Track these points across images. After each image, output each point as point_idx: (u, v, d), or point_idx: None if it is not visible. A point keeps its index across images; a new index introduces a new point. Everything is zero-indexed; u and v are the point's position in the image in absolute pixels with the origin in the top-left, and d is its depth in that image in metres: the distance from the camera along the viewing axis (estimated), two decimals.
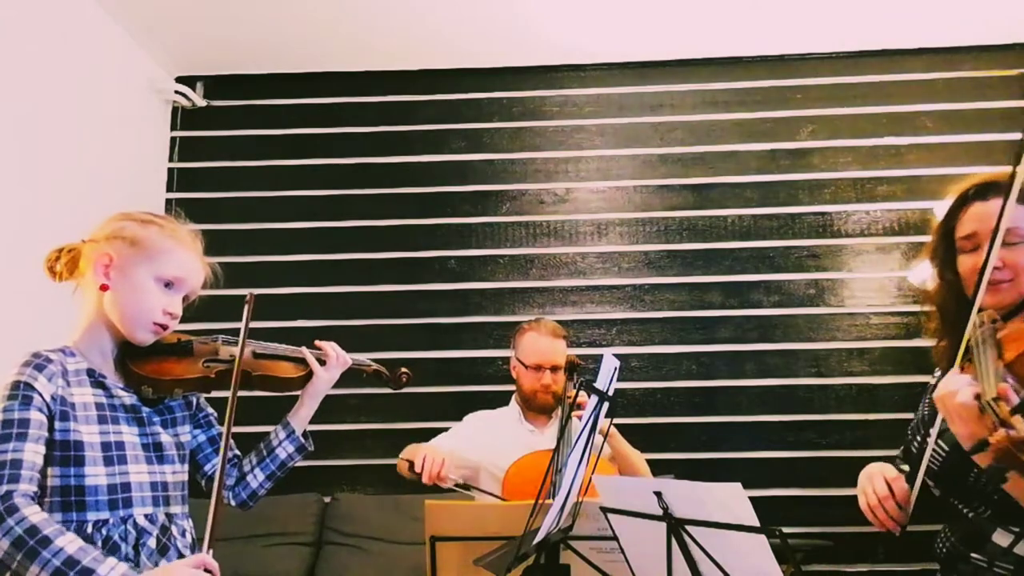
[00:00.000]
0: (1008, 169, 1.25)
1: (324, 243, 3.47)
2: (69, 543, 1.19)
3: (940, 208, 3.29)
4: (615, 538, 1.40)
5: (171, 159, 3.58)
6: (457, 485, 2.21)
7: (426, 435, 2.60)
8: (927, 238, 1.54)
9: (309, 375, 1.61)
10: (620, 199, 3.47)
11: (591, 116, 3.55)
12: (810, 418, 3.22)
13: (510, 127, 3.56)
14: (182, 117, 3.61)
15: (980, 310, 1.27)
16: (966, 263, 1.41)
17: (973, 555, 1.35)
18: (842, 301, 3.31)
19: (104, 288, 1.37)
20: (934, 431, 1.32)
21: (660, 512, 1.27)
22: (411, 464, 2.07)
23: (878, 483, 1.40)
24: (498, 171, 3.53)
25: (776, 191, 3.42)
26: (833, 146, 3.43)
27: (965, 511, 1.38)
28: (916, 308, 3.16)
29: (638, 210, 3.45)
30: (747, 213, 3.40)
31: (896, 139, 3.40)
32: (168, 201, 3.53)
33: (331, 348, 1.65)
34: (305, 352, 1.62)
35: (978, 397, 1.10)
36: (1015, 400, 1.08)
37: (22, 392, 1.26)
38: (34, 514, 1.19)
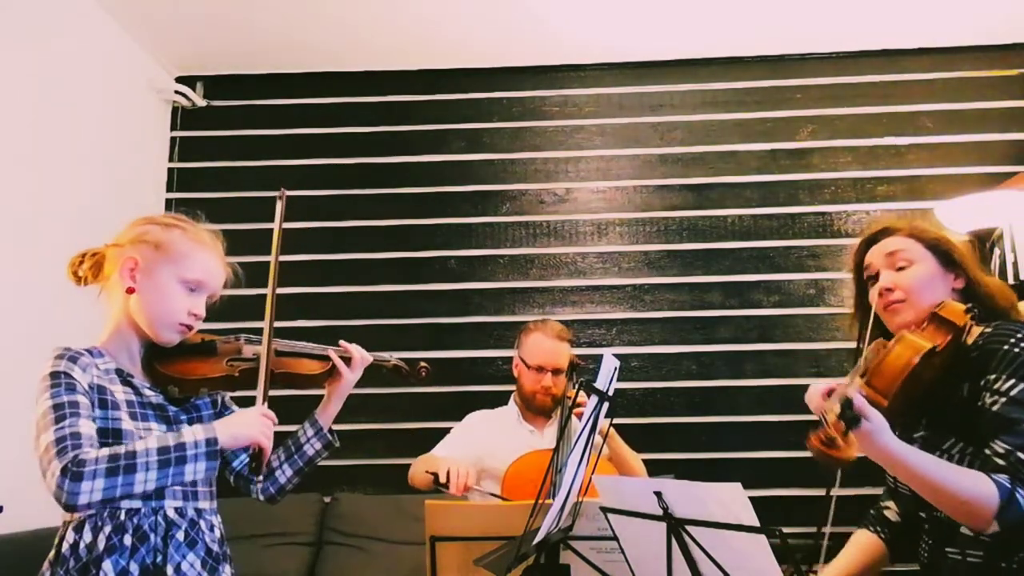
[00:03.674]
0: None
1: (324, 243, 3.46)
2: (149, 441, 1.27)
3: (940, 208, 3.28)
4: (615, 538, 1.40)
5: (171, 159, 3.58)
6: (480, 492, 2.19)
7: (426, 435, 2.60)
8: None
9: (330, 372, 1.64)
10: (620, 199, 3.47)
11: (591, 116, 3.55)
12: (810, 418, 3.21)
13: (510, 127, 3.56)
14: (182, 117, 3.61)
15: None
16: (872, 294, 1.59)
17: (948, 550, 1.45)
18: (842, 301, 3.31)
19: (130, 291, 1.41)
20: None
21: (660, 512, 1.27)
22: (435, 476, 2.06)
23: None
24: (498, 171, 3.53)
25: (776, 191, 3.42)
26: (833, 146, 3.43)
27: (937, 515, 1.46)
28: None
29: (638, 210, 3.45)
30: (747, 213, 3.40)
31: (896, 139, 3.40)
32: (168, 201, 3.53)
33: (355, 349, 1.69)
34: (331, 352, 1.65)
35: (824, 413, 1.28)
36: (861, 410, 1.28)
37: (64, 380, 1.30)
38: (100, 450, 1.24)
